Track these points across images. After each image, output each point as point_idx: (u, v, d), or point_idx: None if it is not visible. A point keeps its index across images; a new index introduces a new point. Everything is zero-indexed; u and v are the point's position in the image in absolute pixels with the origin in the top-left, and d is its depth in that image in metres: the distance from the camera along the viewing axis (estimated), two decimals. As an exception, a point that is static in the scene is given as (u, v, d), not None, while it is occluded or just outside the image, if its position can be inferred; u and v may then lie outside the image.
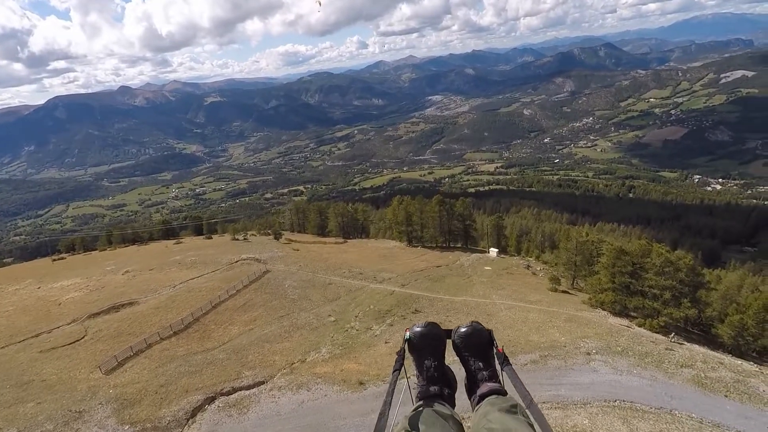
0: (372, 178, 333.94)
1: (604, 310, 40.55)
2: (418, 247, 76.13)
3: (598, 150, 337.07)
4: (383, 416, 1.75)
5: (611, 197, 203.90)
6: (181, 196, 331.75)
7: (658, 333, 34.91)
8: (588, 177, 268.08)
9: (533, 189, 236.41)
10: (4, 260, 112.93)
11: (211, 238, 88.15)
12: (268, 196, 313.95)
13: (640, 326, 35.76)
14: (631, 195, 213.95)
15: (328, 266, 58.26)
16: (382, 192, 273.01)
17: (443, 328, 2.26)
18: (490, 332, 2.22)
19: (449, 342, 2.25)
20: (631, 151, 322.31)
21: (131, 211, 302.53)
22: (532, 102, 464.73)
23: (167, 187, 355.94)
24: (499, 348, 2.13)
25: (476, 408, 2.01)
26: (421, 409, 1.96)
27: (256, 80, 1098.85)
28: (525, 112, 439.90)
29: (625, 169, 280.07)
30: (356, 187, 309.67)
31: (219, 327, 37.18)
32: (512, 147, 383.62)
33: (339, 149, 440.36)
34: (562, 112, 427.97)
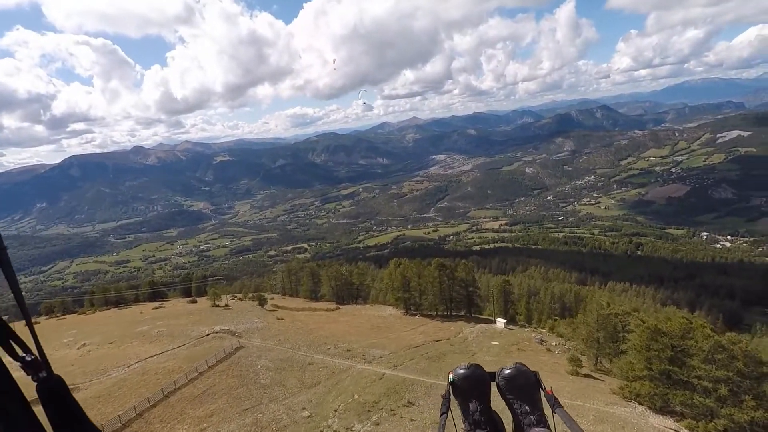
0: (376, 236, 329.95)
1: (640, 404, 32.75)
2: (416, 315, 69.18)
3: (602, 207, 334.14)
4: None
5: (619, 255, 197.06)
6: (185, 252, 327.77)
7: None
8: (594, 234, 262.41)
9: (539, 246, 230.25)
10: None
11: (196, 301, 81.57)
12: (272, 253, 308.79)
13: (691, 430, 28.34)
14: (639, 252, 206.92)
15: (312, 340, 51.73)
16: (386, 250, 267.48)
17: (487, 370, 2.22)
18: (536, 374, 2.16)
19: (494, 385, 2.20)
20: (636, 209, 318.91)
21: (134, 268, 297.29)
22: (534, 161, 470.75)
23: (172, 244, 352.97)
24: (548, 390, 2.06)
25: None
26: None
27: (264, 140, 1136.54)
28: (527, 170, 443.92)
29: (630, 227, 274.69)
30: (360, 245, 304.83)
31: (164, 426, 30.01)
32: (516, 204, 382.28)
33: (344, 207, 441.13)
34: (564, 170, 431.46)
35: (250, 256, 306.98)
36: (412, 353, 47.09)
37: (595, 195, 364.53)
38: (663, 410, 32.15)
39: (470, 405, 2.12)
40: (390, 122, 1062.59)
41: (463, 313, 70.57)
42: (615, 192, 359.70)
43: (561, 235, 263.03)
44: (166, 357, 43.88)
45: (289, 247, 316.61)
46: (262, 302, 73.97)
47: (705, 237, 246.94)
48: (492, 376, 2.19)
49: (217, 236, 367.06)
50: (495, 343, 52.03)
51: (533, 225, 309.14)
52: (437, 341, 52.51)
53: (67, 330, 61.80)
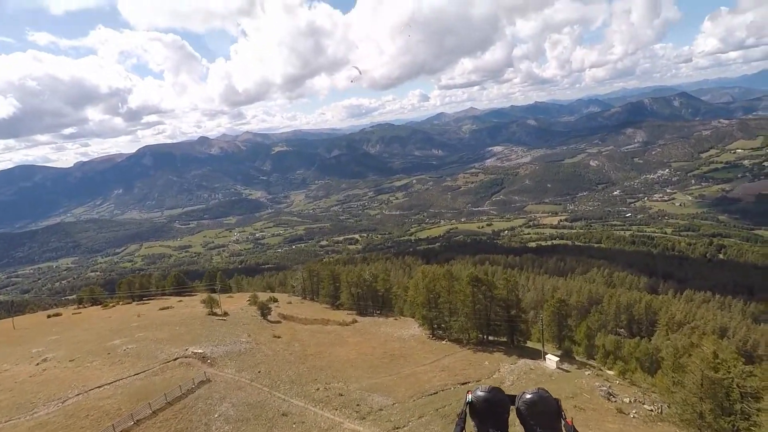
0: (428, 229, 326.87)
1: None
2: (443, 340, 56.18)
3: (677, 204, 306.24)
4: None
5: (697, 258, 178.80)
6: (242, 240, 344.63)
7: None
8: (666, 234, 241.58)
9: (602, 245, 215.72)
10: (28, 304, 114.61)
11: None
12: (324, 243, 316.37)
13: None
14: (721, 256, 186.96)
15: (300, 374, 42.16)
16: (437, 243, 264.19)
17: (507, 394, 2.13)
18: (557, 401, 2.10)
19: (513, 410, 2.13)
20: (717, 206, 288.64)
21: (195, 253, 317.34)
22: (600, 153, 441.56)
23: (230, 231, 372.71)
24: (569, 420, 1.98)
25: None
26: None
27: (320, 131, 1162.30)
28: (591, 163, 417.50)
29: (711, 226, 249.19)
30: (412, 238, 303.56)
31: None
32: (577, 199, 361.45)
33: (397, 198, 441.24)
34: (633, 163, 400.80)
35: (303, 245, 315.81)
36: (424, 406, 35.95)
37: (668, 191, 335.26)
38: None
39: (488, 430, 2.07)
40: (446, 113, 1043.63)
41: (503, 339, 56.85)
42: (693, 188, 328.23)
43: (628, 233, 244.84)
44: (113, 390, 36.33)
45: (341, 238, 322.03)
46: (264, 312, 64.07)
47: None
48: (512, 399, 2.13)
49: (272, 225, 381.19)
50: (542, 395, 39.87)
51: (596, 222, 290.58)
52: (462, 385, 41.09)
53: (50, 332, 59.29)
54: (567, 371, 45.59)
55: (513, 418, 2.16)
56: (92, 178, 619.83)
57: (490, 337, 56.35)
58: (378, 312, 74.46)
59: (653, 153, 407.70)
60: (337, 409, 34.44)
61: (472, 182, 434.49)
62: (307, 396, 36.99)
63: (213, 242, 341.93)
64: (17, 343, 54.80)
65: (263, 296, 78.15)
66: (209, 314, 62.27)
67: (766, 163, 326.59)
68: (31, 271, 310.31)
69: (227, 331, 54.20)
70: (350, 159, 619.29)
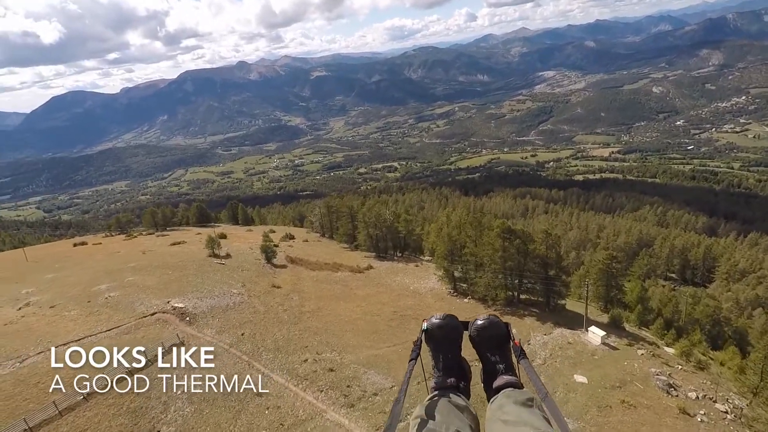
0: (469, 158, 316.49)
1: None
2: (466, 299, 47.53)
3: (750, 136, 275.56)
4: (398, 402, 1.77)
5: (767, 196, 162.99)
6: (282, 166, 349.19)
7: None
8: (733, 169, 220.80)
9: (657, 181, 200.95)
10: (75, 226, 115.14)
11: (226, 236, 69.41)
12: (362, 170, 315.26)
13: None
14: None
15: (290, 338, 36.30)
16: (477, 174, 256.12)
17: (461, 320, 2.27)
18: (507, 325, 2.23)
19: (466, 334, 2.27)
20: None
21: (237, 179, 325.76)
22: (665, 78, 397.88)
23: (270, 158, 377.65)
24: (516, 341, 2.13)
25: (492, 400, 2.04)
26: (436, 398, 1.99)
27: (361, 55, 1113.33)
28: (654, 89, 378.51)
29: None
30: (451, 167, 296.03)
31: None
32: (634, 130, 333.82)
33: (438, 126, 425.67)
34: (704, 89, 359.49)
35: (341, 172, 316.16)
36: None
37: (742, 121, 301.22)
38: None
39: (442, 353, 2.22)
40: (495, 34, 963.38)
41: (537, 301, 47.00)
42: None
43: (688, 168, 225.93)
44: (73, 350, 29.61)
45: (380, 165, 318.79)
46: (269, 255, 55.24)
47: None
48: (465, 325, 2.25)
49: (311, 152, 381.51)
50: (581, 380, 31.35)
51: (653, 154, 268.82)
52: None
53: (53, 268, 55.74)
54: (614, 348, 37.18)
55: (465, 341, 2.29)
56: (138, 104, 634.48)
57: (522, 296, 47.35)
58: (399, 255, 66.20)
59: (730, 78, 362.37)
60: (322, 391, 28.85)
61: (518, 110, 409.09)
62: (291, 370, 31.14)
63: (254, 168, 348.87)
64: (15, 280, 50.34)
65: (281, 231, 74.28)
66: (209, 256, 54.84)
67: None
68: (90, 193, 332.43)
69: (220, 279, 47.19)
70: (391, 85, 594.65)
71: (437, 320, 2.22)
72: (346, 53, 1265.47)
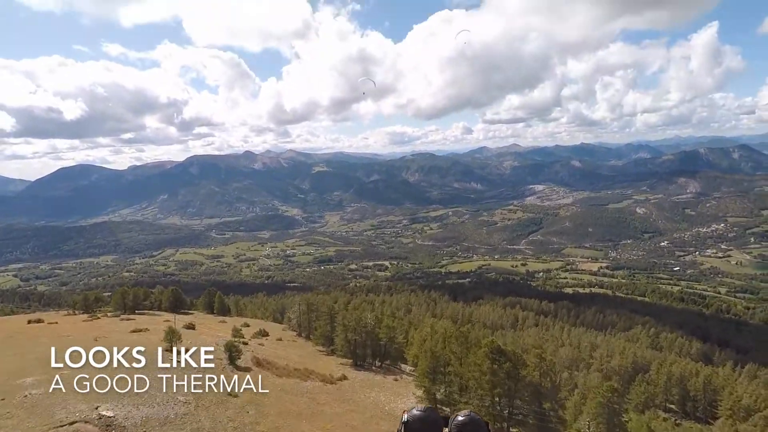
0: (460, 263, 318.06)
1: None
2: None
3: (733, 262, 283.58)
4: None
5: (758, 325, 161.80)
6: (273, 255, 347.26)
7: None
8: (720, 294, 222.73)
9: (646, 299, 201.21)
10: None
11: (194, 327, 66.79)
12: (353, 266, 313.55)
13: None
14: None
15: None
16: (467, 279, 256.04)
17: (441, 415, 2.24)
18: (487, 424, 2.19)
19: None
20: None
21: (226, 263, 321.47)
22: (647, 200, 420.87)
23: (263, 245, 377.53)
24: None
25: None
26: None
27: (362, 155, 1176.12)
28: (638, 210, 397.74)
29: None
30: (442, 270, 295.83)
31: None
32: (620, 247, 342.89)
33: (431, 229, 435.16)
34: (685, 214, 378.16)
35: (332, 266, 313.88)
36: None
37: (723, 247, 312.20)
38: None
39: None
40: (488, 147, 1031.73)
41: None
42: (752, 246, 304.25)
43: (676, 289, 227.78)
44: None
45: (371, 263, 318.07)
46: (233, 356, 48.15)
47: None
48: (446, 421, 2.21)
49: (304, 243, 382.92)
50: None
51: (640, 272, 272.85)
52: None
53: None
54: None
55: None
56: (142, 182, 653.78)
57: (513, 429, 41.24)
58: (378, 365, 59.43)
59: (707, 205, 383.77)
60: None
61: (510, 219, 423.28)
62: None
63: (245, 254, 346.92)
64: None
65: (256, 325, 67.65)
66: (166, 350, 47.20)
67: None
68: (74, 264, 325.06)
69: (169, 380, 36.14)
70: (388, 185, 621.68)
71: (418, 412, 2.20)
72: (349, 152, 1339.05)
